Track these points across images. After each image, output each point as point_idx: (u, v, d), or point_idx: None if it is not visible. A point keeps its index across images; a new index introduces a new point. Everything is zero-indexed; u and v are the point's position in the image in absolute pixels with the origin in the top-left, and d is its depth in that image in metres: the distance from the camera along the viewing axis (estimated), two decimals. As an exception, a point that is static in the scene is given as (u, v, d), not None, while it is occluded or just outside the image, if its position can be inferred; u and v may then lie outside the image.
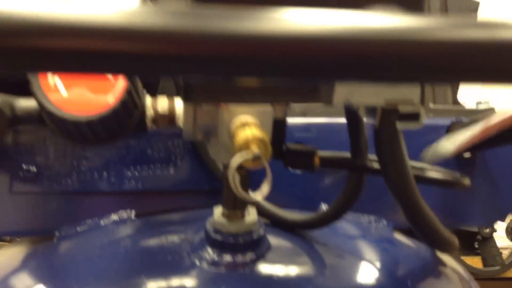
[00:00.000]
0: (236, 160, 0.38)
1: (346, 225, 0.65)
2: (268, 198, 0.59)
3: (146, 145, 0.65)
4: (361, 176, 0.55)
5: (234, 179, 0.38)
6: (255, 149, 0.39)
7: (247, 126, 0.42)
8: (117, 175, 0.64)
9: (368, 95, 0.44)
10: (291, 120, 0.69)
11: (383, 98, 0.45)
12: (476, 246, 2.08)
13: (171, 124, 0.46)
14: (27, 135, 0.61)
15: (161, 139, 0.65)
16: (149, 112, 0.45)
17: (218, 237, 0.51)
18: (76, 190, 0.63)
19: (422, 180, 0.55)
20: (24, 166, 0.62)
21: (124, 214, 0.63)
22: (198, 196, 0.67)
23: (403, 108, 0.45)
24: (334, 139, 0.65)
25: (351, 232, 0.65)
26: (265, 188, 0.39)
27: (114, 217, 0.63)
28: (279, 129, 0.53)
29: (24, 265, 0.59)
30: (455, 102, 0.77)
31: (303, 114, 0.71)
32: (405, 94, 0.45)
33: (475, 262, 2.06)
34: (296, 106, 0.71)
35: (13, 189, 0.62)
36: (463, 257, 2.03)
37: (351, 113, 0.53)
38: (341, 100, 0.44)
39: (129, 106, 0.40)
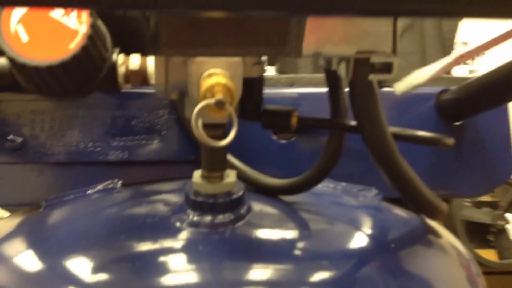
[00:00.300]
0: (199, 106, 0.38)
1: (332, 192, 0.65)
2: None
3: (131, 116, 0.65)
4: (341, 136, 0.54)
5: (197, 125, 0.38)
6: (218, 94, 0.39)
7: (214, 75, 0.41)
8: (103, 145, 0.65)
9: (339, 45, 0.44)
10: (278, 91, 0.69)
11: (355, 48, 0.44)
12: (491, 239, 2.04)
13: (144, 82, 0.46)
14: (12, 105, 0.62)
15: (146, 110, 0.65)
16: (121, 69, 0.45)
17: (197, 198, 0.51)
18: (62, 160, 0.64)
19: (402, 138, 0.54)
20: (10, 137, 0.63)
21: (110, 184, 0.63)
22: (185, 166, 0.67)
23: (376, 59, 0.44)
24: (322, 110, 0.65)
25: (337, 200, 0.64)
26: (231, 135, 0.39)
27: (100, 186, 0.63)
28: (255, 88, 0.53)
29: (11, 234, 0.60)
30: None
31: (290, 85, 0.71)
32: (376, 45, 0.44)
33: (490, 255, 2.03)
34: (282, 78, 0.71)
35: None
36: (477, 250, 1.99)
37: (329, 72, 0.52)
38: (310, 51, 0.44)
39: (92, 54, 0.40)
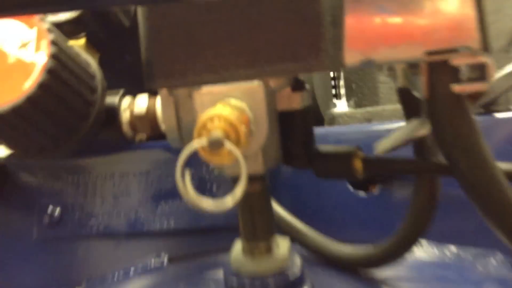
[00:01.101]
0: (186, 150, 0.27)
1: (437, 261, 0.48)
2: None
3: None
4: (433, 181, 0.38)
5: (181, 176, 0.26)
6: (215, 131, 0.27)
7: (218, 107, 0.30)
8: (147, 213, 0.55)
9: (398, 46, 0.30)
10: (352, 129, 0.55)
11: (421, 48, 0.30)
12: None
13: (155, 129, 0.36)
14: (44, 172, 0.55)
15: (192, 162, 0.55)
16: (124, 114, 0.36)
17: (235, 281, 0.38)
18: (101, 233, 0.55)
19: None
20: (49, 210, 0.56)
21: (156, 259, 0.53)
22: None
23: (457, 60, 0.30)
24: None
25: (445, 273, 0.47)
26: (238, 190, 0.27)
27: (145, 263, 0.53)
28: (299, 124, 0.40)
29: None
30: None
31: (368, 120, 0.56)
32: (456, 39, 0.30)
33: None
34: (358, 113, 0.57)
35: (37, 235, 0.56)
36: None
37: (401, 91, 0.38)
38: (357, 60, 0.31)
39: (61, 95, 0.31)
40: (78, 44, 0.40)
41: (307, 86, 0.40)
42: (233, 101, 0.32)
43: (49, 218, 0.56)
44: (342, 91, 0.64)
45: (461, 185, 0.32)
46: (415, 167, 0.38)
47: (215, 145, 0.26)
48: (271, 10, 0.31)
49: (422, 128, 0.34)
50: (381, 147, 0.36)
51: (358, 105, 0.59)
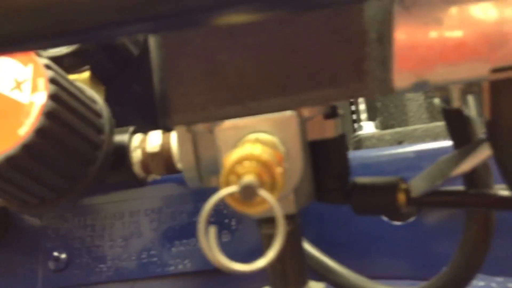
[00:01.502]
0: (212, 200, 0.22)
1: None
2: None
3: (191, 210, 0.51)
4: (487, 214, 0.34)
5: (203, 233, 0.21)
6: (247, 176, 0.22)
7: (246, 144, 0.25)
8: (161, 255, 0.50)
9: (458, 64, 0.25)
10: (381, 153, 0.50)
11: (487, 65, 0.25)
12: None
13: (169, 169, 0.32)
14: (49, 214, 0.51)
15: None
16: (135, 153, 0.31)
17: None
18: (112, 278, 0.50)
19: None
20: (54, 254, 0.51)
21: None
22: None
23: (529, 77, 0.25)
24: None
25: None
26: (272, 250, 0.22)
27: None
28: (333, 155, 0.35)
29: None
30: None
31: (399, 142, 0.52)
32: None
33: None
34: (387, 134, 0.52)
35: (42, 282, 0.51)
36: None
37: (450, 113, 0.33)
38: (409, 83, 0.26)
39: (63, 139, 0.26)
40: (81, 78, 0.36)
41: (341, 112, 0.35)
42: (263, 136, 0.27)
43: (55, 264, 0.51)
44: (363, 115, 0.59)
45: None
46: (467, 201, 0.33)
47: (249, 193, 0.21)
48: (304, 29, 0.27)
49: (470, 160, 0.29)
50: (416, 187, 0.31)
51: (384, 125, 0.54)
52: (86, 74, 0.37)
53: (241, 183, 0.21)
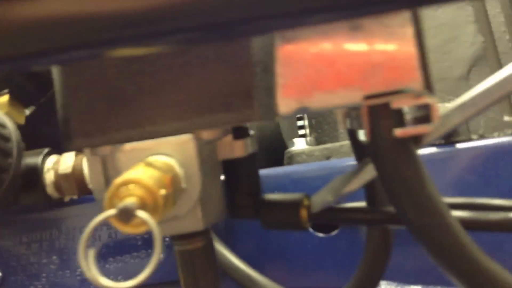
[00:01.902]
0: (93, 222, 0.23)
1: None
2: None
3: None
4: (385, 231, 0.36)
5: (82, 255, 0.23)
6: (128, 199, 0.24)
7: (135, 168, 0.27)
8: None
9: (334, 91, 0.28)
10: (310, 168, 0.52)
11: (360, 92, 0.27)
12: None
13: (82, 189, 0.33)
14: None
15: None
16: (48, 175, 0.32)
17: None
18: (46, 294, 0.51)
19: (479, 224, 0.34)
20: (-10, 272, 0.51)
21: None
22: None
23: (399, 102, 0.27)
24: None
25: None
26: (148, 268, 0.23)
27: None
28: (243, 173, 0.37)
29: None
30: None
31: (327, 157, 0.54)
32: (396, 80, 0.27)
33: None
34: (316, 150, 0.54)
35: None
36: None
37: (351, 134, 0.35)
38: (292, 108, 0.28)
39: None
40: (0, 101, 0.37)
41: (251, 132, 0.37)
42: (158, 160, 0.28)
43: (-10, 281, 0.51)
44: (303, 131, 0.61)
45: (411, 234, 0.30)
46: (363, 218, 0.35)
47: (125, 215, 0.23)
48: (199, 60, 0.29)
49: (358, 179, 0.31)
50: (316, 203, 0.34)
51: (318, 141, 0.57)
52: (5, 98, 0.38)
53: (118, 206, 0.23)
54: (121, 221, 0.23)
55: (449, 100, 0.53)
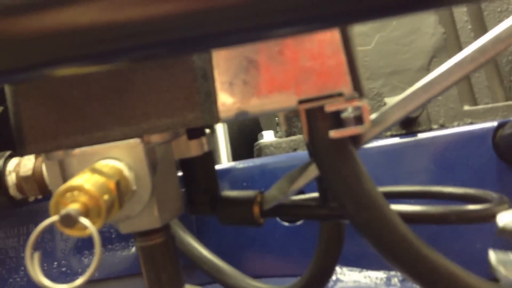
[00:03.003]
0: (38, 228, 0.25)
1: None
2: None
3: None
4: (337, 224, 0.37)
5: (29, 258, 0.24)
6: (72, 205, 0.25)
7: (80, 175, 0.28)
8: (72, 265, 0.53)
9: (270, 97, 0.29)
10: (277, 160, 0.54)
11: (294, 97, 0.29)
12: None
13: (43, 190, 0.35)
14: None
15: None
16: (10, 177, 0.34)
17: None
18: None
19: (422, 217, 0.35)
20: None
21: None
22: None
23: (331, 106, 0.29)
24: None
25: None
26: (89, 270, 0.25)
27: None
28: (200, 171, 0.38)
29: None
30: (509, 98, 0.56)
31: (294, 149, 0.55)
32: (327, 85, 0.29)
33: None
34: (283, 142, 0.56)
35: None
36: None
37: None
38: (232, 112, 0.30)
39: None
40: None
41: (207, 131, 0.39)
42: (106, 165, 0.30)
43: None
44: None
45: (353, 226, 0.31)
46: (312, 213, 0.37)
47: (67, 221, 0.25)
48: (143, 68, 0.30)
49: (304, 176, 0.33)
50: (268, 200, 0.35)
51: (288, 133, 0.58)
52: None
53: (61, 212, 0.25)
54: (64, 226, 0.25)
55: (410, 91, 0.55)
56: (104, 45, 0.22)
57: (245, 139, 0.77)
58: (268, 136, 0.58)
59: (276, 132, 0.59)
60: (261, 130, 0.68)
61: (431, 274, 0.31)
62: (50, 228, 0.55)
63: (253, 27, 0.20)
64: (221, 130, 0.72)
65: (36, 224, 0.54)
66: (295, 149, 0.55)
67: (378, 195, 0.30)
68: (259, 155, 0.57)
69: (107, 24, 0.21)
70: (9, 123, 0.44)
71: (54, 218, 0.25)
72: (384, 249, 0.31)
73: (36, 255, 0.25)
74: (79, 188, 0.26)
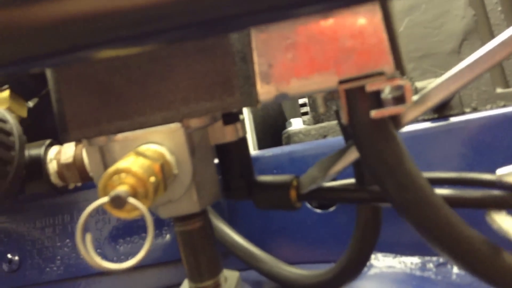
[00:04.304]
0: (88, 209, 0.25)
1: (396, 275, 0.47)
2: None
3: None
4: (374, 207, 0.37)
5: (80, 239, 0.25)
6: (120, 187, 0.26)
7: (126, 158, 0.29)
8: (107, 253, 0.54)
9: (310, 78, 0.29)
10: (307, 147, 0.54)
11: (335, 77, 0.29)
12: None
13: (84, 177, 0.35)
14: (5, 222, 0.54)
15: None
16: (51, 165, 0.34)
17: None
18: (61, 277, 0.54)
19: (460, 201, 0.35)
20: (8, 256, 0.55)
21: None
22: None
23: (372, 85, 0.29)
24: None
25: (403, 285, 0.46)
26: (143, 250, 0.25)
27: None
28: (235, 157, 0.39)
29: None
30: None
31: (324, 136, 0.55)
32: (369, 65, 0.28)
33: None
34: (312, 129, 0.56)
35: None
36: None
37: (339, 116, 0.37)
38: (271, 95, 0.30)
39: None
40: (1, 96, 0.39)
41: (242, 116, 0.39)
42: (149, 149, 0.30)
43: (8, 266, 0.55)
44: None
45: (394, 208, 0.31)
46: (350, 197, 0.37)
47: (118, 202, 0.25)
48: (181, 52, 0.30)
49: (343, 160, 0.33)
50: (304, 184, 0.35)
51: (316, 120, 0.58)
52: (6, 93, 0.40)
53: (110, 194, 0.25)
54: (114, 208, 0.25)
55: (441, 75, 0.54)
56: (141, 27, 0.23)
57: (269, 127, 0.77)
58: (296, 124, 0.58)
59: (304, 120, 0.58)
60: (285, 119, 0.68)
61: (473, 256, 0.31)
62: (79, 218, 0.56)
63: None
64: (247, 118, 0.72)
65: (71, 214, 0.55)
66: (324, 136, 0.55)
67: (420, 176, 0.30)
68: (287, 143, 0.57)
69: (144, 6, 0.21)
70: (43, 114, 0.45)
71: (104, 199, 0.25)
72: (425, 230, 0.31)
73: (88, 236, 0.25)
74: (127, 171, 0.26)
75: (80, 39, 0.24)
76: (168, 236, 0.53)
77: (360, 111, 0.29)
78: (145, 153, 0.29)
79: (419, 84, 0.53)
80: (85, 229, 0.51)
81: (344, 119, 0.30)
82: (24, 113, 0.43)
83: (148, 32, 0.25)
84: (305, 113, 0.66)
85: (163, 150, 0.31)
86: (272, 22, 0.27)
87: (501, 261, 0.30)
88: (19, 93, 0.41)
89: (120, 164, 0.27)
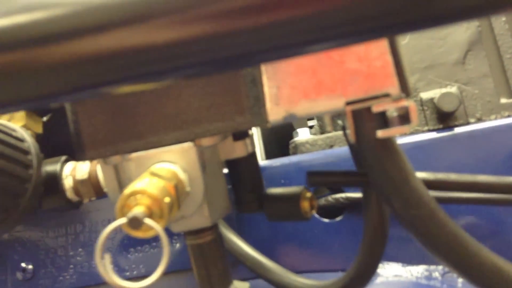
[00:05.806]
0: (107, 229, 0.27)
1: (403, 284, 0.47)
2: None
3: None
4: (381, 216, 0.38)
5: (99, 259, 0.26)
6: (136, 208, 0.27)
7: (141, 179, 0.30)
8: (119, 262, 0.55)
9: (318, 99, 0.30)
10: (313, 157, 0.55)
11: (342, 99, 0.30)
12: None
13: (98, 192, 0.36)
14: (19, 231, 0.56)
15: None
16: (67, 181, 0.36)
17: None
18: (74, 285, 0.55)
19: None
20: (22, 265, 0.56)
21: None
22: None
23: (378, 106, 0.30)
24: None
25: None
26: (159, 269, 0.27)
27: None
28: (245, 171, 0.40)
29: None
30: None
31: (330, 146, 0.56)
32: (375, 87, 0.29)
33: None
34: (319, 140, 0.57)
35: (12, 293, 0.56)
36: None
37: (346, 133, 0.38)
38: (280, 116, 0.31)
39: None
40: (18, 114, 0.40)
41: (251, 132, 0.40)
42: (163, 168, 0.31)
43: (22, 274, 0.56)
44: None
45: (402, 226, 0.32)
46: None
47: (134, 223, 0.26)
48: None
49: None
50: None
51: (322, 130, 0.59)
52: (22, 111, 0.41)
53: (128, 215, 0.26)
54: (131, 228, 0.26)
55: (446, 85, 0.55)
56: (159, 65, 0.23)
57: (276, 137, 0.78)
58: (303, 134, 0.59)
59: (310, 130, 0.59)
60: (292, 129, 0.69)
61: (478, 270, 0.32)
62: (96, 228, 0.57)
63: (304, 42, 0.21)
64: (254, 129, 0.73)
65: (83, 223, 0.56)
66: (331, 146, 0.56)
67: (425, 193, 0.31)
68: (294, 153, 0.58)
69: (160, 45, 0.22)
70: (56, 129, 0.46)
71: (122, 220, 0.26)
72: (431, 245, 0.32)
73: (107, 256, 0.26)
74: (142, 192, 0.27)
75: (96, 80, 0.24)
76: (178, 245, 0.54)
77: (366, 131, 0.30)
78: (159, 173, 0.30)
79: (424, 95, 0.54)
80: (96, 238, 0.52)
81: (351, 138, 0.31)
82: (39, 129, 0.44)
83: (163, 71, 0.25)
84: (311, 127, 0.67)
85: (176, 169, 0.32)
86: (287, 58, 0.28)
87: (508, 276, 0.31)
88: (34, 109, 0.42)
89: (136, 185, 0.28)
